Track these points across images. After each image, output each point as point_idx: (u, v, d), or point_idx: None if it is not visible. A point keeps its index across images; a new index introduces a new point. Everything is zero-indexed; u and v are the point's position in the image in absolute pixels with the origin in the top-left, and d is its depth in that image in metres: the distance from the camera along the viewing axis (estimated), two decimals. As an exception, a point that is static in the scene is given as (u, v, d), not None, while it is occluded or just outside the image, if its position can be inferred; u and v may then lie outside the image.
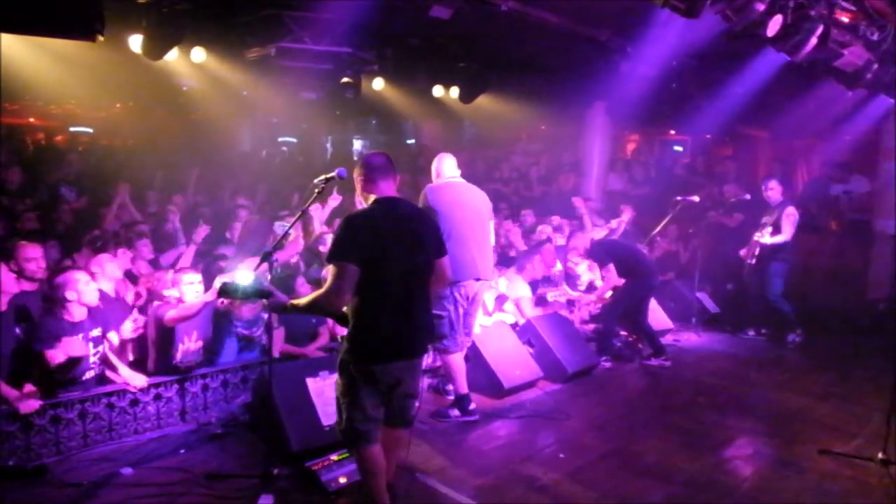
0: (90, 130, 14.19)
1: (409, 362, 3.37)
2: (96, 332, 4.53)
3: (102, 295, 4.90)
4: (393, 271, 3.19)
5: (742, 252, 7.85)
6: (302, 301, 3.37)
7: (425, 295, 3.44)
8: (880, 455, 4.33)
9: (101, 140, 13.29)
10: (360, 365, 3.24)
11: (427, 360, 5.35)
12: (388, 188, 3.40)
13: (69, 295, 4.29)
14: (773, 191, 7.72)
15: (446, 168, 5.04)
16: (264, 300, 3.49)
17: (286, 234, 4.44)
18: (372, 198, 3.38)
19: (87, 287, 4.38)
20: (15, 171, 8.20)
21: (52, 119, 14.44)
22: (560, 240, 8.14)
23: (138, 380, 4.56)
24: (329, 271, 3.19)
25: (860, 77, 6.70)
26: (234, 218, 7.66)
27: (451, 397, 5.21)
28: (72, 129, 14.28)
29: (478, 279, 4.93)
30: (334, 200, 6.73)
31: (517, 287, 6.77)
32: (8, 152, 9.08)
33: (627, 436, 4.92)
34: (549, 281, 7.46)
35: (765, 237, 7.52)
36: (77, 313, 4.37)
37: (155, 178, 9.64)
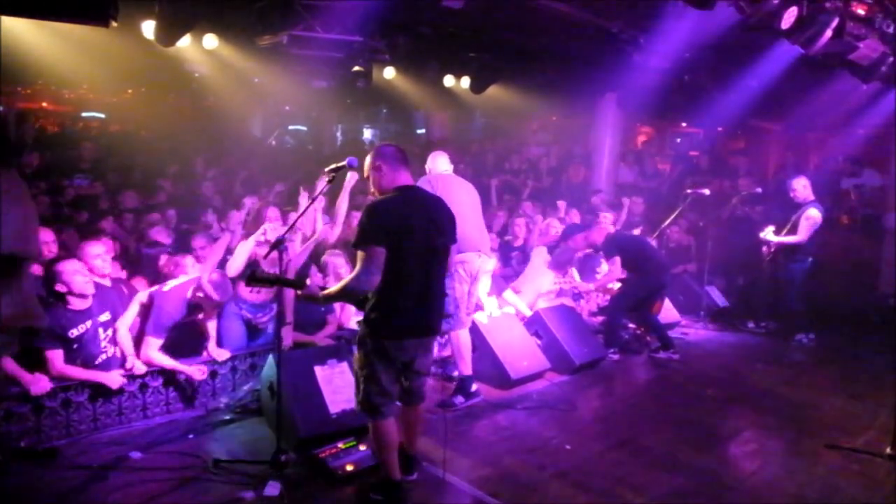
0: (102, 116, 14.26)
1: (421, 340, 3.59)
2: (105, 317, 4.55)
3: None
4: (413, 254, 3.38)
5: (763, 248, 7.59)
6: (333, 290, 3.49)
7: (441, 277, 3.65)
8: (888, 450, 4.33)
9: (113, 126, 13.35)
10: (377, 341, 3.44)
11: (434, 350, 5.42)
12: (407, 177, 3.59)
13: (59, 287, 4.25)
14: (797, 191, 7.27)
15: (439, 164, 5.22)
16: (298, 290, 3.57)
17: (295, 222, 4.44)
18: (391, 188, 3.52)
19: (73, 277, 4.27)
20: (34, 155, 8.26)
21: (65, 104, 14.51)
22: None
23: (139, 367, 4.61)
24: (357, 257, 3.33)
25: (875, 70, 6.63)
26: (237, 207, 7.66)
27: (455, 383, 5.26)
28: (84, 114, 14.34)
29: (479, 252, 5.06)
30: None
31: (543, 281, 6.84)
32: (25, 135, 9.14)
33: (634, 428, 4.93)
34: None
35: (768, 234, 7.37)
36: (78, 303, 4.35)
37: (167, 165, 9.69)
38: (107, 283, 4.77)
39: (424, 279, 3.48)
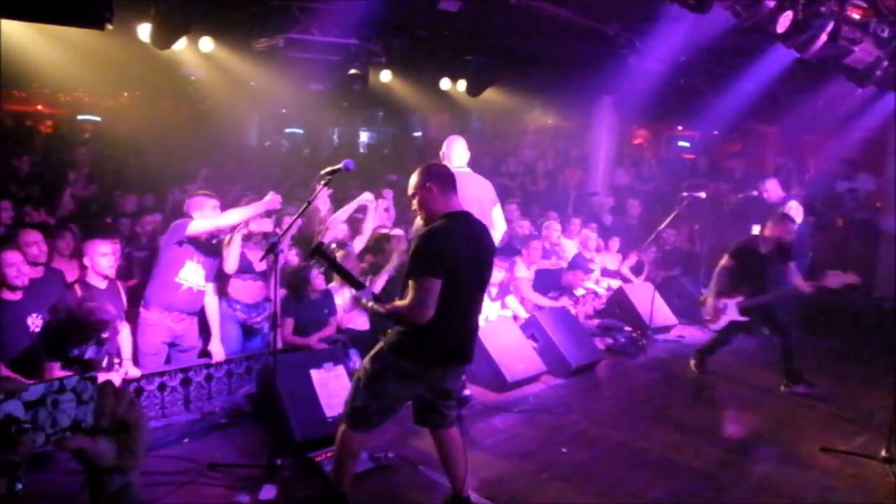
0: (98, 119, 14.24)
1: (453, 367, 3.43)
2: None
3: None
4: (462, 286, 3.23)
5: None
6: (384, 308, 3.32)
7: (480, 305, 3.53)
8: (883, 453, 4.34)
9: (109, 129, 13.33)
10: (408, 362, 3.28)
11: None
12: (458, 201, 3.42)
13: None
14: (769, 192, 7.56)
15: (455, 155, 4.92)
16: (355, 290, 3.44)
17: (291, 226, 4.43)
18: (441, 213, 3.32)
19: (8, 269, 4.16)
20: (24, 160, 8.22)
21: (60, 107, 14.50)
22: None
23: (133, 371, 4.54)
24: (409, 286, 3.16)
25: (870, 74, 6.64)
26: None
27: None
28: (80, 117, 14.33)
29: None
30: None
31: (519, 268, 6.93)
32: (17, 141, 9.10)
33: (630, 431, 4.93)
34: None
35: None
36: (7, 294, 4.23)
37: (163, 169, 9.67)
38: (102, 284, 4.70)
39: (467, 308, 3.35)
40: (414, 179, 3.40)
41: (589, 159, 11.21)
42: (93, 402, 1.00)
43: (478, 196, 4.91)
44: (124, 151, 10.70)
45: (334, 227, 5.67)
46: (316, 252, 3.52)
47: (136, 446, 1.07)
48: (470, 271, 3.26)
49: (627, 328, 7.30)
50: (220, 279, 5.09)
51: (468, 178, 4.92)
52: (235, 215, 4.66)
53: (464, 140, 5.00)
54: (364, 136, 18.58)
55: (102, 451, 1.03)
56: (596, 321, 7.47)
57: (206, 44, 7.66)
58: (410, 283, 3.16)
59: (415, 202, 3.42)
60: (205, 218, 4.67)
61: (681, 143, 14.75)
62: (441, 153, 4.98)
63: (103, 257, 4.53)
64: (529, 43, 8.85)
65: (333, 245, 5.45)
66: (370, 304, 3.36)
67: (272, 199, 4.56)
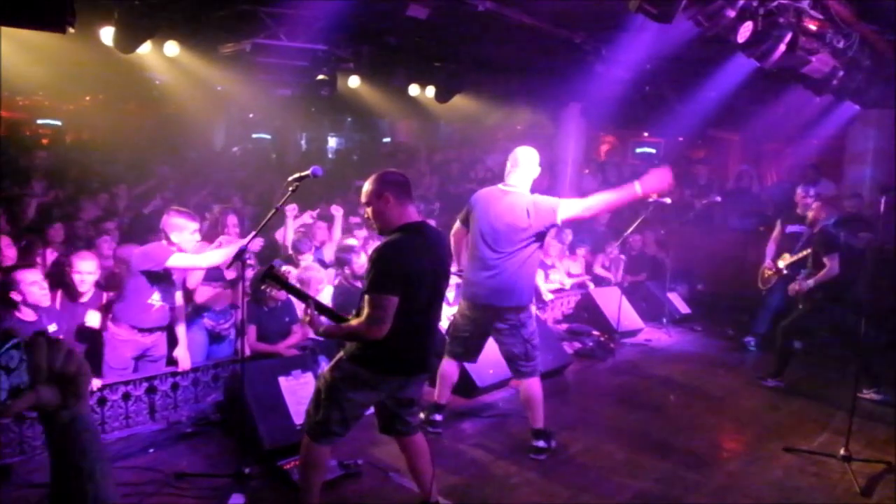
0: (58, 123, 13.94)
1: (412, 378, 3.40)
2: (53, 328, 4.40)
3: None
4: (421, 298, 3.18)
5: (772, 263, 7.29)
6: (337, 330, 3.23)
7: (439, 316, 3.50)
8: (842, 451, 4.45)
9: (70, 133, 13.06)
10: (368, 372, 3.22)
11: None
12: (415, 211, 3.31)
13: (14, 295, 4.09)
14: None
15: (521, 166, 4.41)
16: (307, 312, 3.27)
17: (259, 231, 4.38)
18: (397, 224, 3.22)
19: (30, 288, 4.10)
20: None
21: (18, 111, 14.15)
22: None
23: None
24: (366, 301, 3.09)
25: (827, 83, 6.83)
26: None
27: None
28: (39, 121, 14.00)
29: (486, 304, 4.49)
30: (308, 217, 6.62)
31: None
32: None
33: (598, 434, 4.98)
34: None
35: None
36: (28, 314, 4.19)
37: (125, 173, 9.50)
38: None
39: (426, 319, 3.31)
40: (368, 187, 3.26)
41: (557, 165, 11.32)
42: (24, 364, 0.99)
43: (510, 221, 4.35)
44: (87, 155, 10.49)
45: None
46: (267, 276, 3.41)
47: (80, 390, 1.10)
48: (428, 283, 3.21)
49: (595, 332, 7.37)
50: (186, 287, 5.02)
51: (506, 199, 4.39)
52: (215, 256, 4.58)
53: (533, 153, 4.45)
54: (332, 142, 18.51)
55: (46, 399, 1.07)
56: (564, 325, 7.54)
57: (172, 48, 7.55)
58: (367, 298, 3.08)
59: (369, 211, 3.30)
60: (182, 239, 4.57)
61: (639, 151, 14.97)
62: (511, 161, 4.45)
63: (33, 286, 4.20)
64: (497, 50, 8.92)
65: (284, 267, 5.39)
66: (322, 328, 3.26)
67: (254, 243, 4.52)
